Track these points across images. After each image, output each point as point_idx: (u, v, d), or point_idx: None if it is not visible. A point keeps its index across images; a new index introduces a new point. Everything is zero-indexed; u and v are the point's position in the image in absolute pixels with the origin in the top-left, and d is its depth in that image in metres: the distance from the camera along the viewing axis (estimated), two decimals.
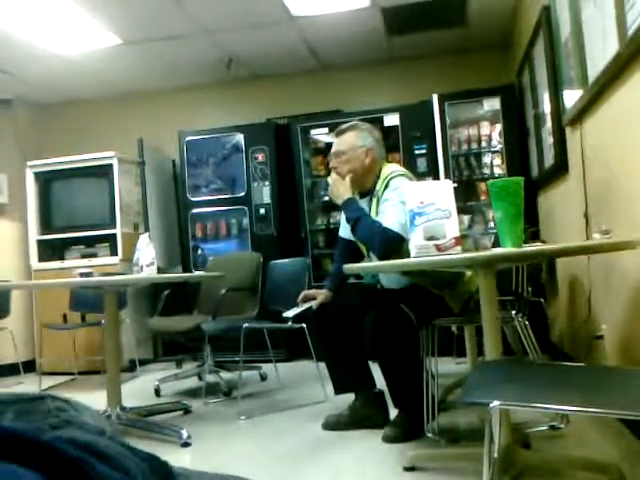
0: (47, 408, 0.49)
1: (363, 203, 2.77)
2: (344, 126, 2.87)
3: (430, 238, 1.99)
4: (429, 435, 2.54)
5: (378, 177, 2.75)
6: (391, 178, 2.67)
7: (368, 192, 2.79)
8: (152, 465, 0.42)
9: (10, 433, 0.37)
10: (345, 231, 2.93)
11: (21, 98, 5.82)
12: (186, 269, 5.35)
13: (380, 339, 2.56)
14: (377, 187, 2.72)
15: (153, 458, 0.43)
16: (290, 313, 3.02)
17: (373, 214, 2.68)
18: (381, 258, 2.50)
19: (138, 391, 4.03)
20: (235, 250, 5.25)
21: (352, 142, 2.79)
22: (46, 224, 5.45)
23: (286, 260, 4.12)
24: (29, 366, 5.00)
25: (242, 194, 5.23)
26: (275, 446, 2.71)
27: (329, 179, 2.83)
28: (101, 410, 3.09)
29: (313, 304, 2.90)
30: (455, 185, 2.19)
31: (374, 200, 2.72)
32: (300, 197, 5.18)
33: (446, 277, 2.65)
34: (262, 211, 5.17)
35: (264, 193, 5.19)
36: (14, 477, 0.33)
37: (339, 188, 2.73)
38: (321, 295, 2.93)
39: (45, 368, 4.75)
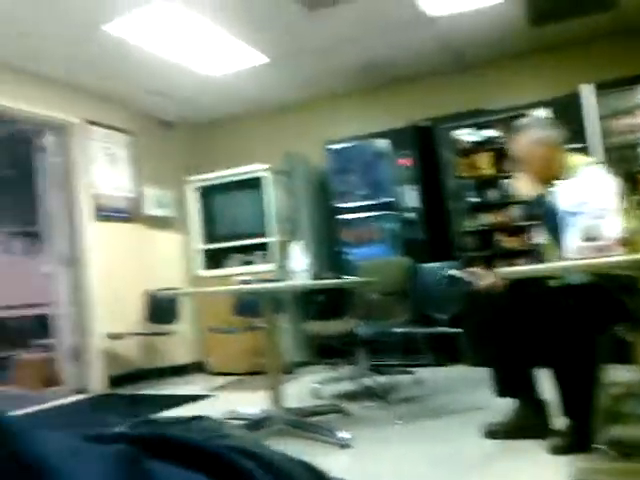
0: (204, 427, 0.55)
1: (551, 196, 2.64)
2: (521, 121, 2.82)
3: (589, 239, 1.91)
4: (599, 447, 2.42)
5: (564, 168, 2.61)
6: (579, 168, 2.53)
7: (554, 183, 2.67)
8: (314, 475, 0.44)
9: (183, 441, 0.41)
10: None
11: (180, 119, 6.33)
12: (337, 274, 5.50)
13: (556, 343, 2.46)
14: (564, 178, 2.59)
15: (314, 468, 0.45)
16: (454, 272, 2.94)
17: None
18: None
19: (297, 393, 4.22)
20: (384, 255, 5.31)
21: (530, 137, 2.72)
22: (208, 235, 5.89)
23: (436, 264, 4.10)
24: (199, 367, 5.41)
25: (389, 199, 5.28)
26: (433, 452, 2.71)
27: (512, 179, 2.76)
28: (264, 410, 3.28)
29: (481, 282, 2.78)
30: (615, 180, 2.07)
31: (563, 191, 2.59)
32: (447, 199, 5.13)
33: (624, 280, 2.48)
34: (410, 215, 5.18)
35: (411, 197, 5.20)
36: (183, 473, 0.36)
37: (522, 186, 2.69)
38: (492, 277, 2.75)
39: (212, 369, 5.12)
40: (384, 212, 5.31)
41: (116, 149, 5.62)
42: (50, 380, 5.21)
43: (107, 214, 5.42)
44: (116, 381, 5.11)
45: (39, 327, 5.76)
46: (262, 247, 5.60)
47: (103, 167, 5.47)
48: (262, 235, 5.56)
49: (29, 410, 4.39)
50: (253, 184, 5.65)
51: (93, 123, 5.39)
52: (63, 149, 5.24)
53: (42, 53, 4.51)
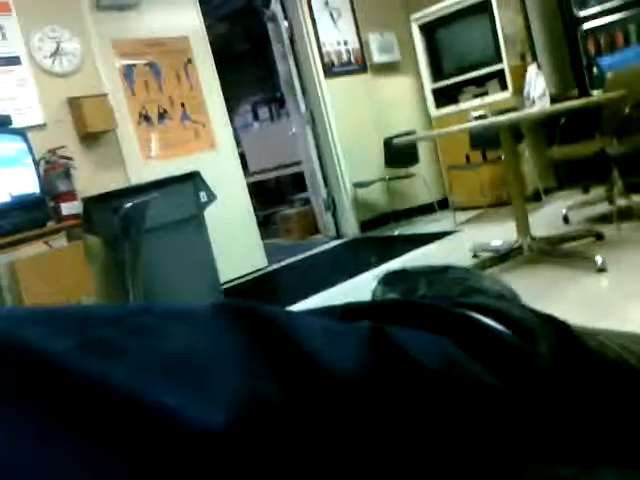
0: (452, 277, 0.58)
1: None
2: None
3: None
4: None
5: None
6: None
7: None
8: (553, 324, 0.42)
9: (424, 306, 0.42)
10: None
11: None
12: (582, 91, 5.00)
13: None
14: None
15: (553, 318, 0.43)
16: None
17: None
18: None
19: (546, 220, 4.11)
20: (637, 61, 4.64)
21: None
22: (437, 72, 5.71)
23: None
24: (442, 204, 5.53)
25: None
26: None
27: None
28: (511, 241, 3.29)
29: None
30: None
31: None
32: None
33: None
34: None
35: None
36: (432, 341, 0.37)
37: None
38: None
39: (456, 204, 5.20)
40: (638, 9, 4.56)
41: (334, 1, 5.61)
42: (310, 230, 5.86)
43: (337, 70, 5.57)
44: (367, 225, 5.50)
45: (296, 184, 6.37)
46: (495, 76, 5.28)
47: (326, 22, 5.53)
48: (494, 63, 5.23)
49: (297, 258, 5.02)
50: (479, 8, 5.22)
51: None
52: (288, 13, 5.41)
53: None
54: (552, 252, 3.20)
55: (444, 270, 0.58)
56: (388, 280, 0.59)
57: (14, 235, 3.07)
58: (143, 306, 0.31)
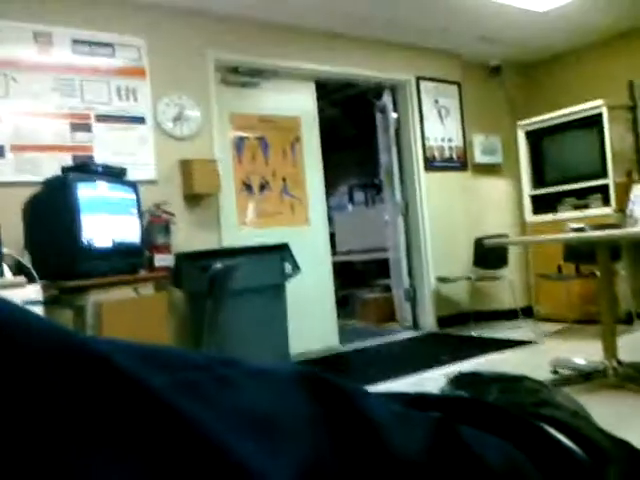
0: (526, 388, 0.55)
1: None
2: None
3: None
4: None
5: None
6: None
7: None
8: (627, 450, 0.41)
9: (495, 408, 0.42)
10: None
11: (508, 62, 6.15)
12: None
13: None
14: None
15: (628, 444, 0.42)
16: None
17: None
18: None
19: (635, 345, 3.89)
20: None
21: None
22: (538, 179, 5.69)
23: None
24: (526, 312, 5.36)
25: None
26: None
27: None
28: (596, 361, 3.13)
29: None
30: None
31: None
32: None
33: None
34: None
35: None
36: (498, 443, 0.37)
37: None
38: None
39: (541, 315, 5.02)
40: None
41: (445, 100, 5.78)
42: (387, 317, 5.82)
43: (437, 164, 5.67)
44: (445, 321, 5.41)
45: (380, 269, 6.39)
46: (598, 190, 5.19)
47: (433, 119, 5.70)
48: (599, 177, 5.15)
49: (370, 343, 4.99)
50: (588, 122, 5.23)
51: (423, 78, 5.64)
52: (398, 106, 5.63)
53: (371, 20, 4.85)
54: (638, 380, 3.01)
55: (518, 379, 0.56)
56: (458, 381, 0.60)
57: (107, 277, 3.25)
58: (231, 359, 0.33)
